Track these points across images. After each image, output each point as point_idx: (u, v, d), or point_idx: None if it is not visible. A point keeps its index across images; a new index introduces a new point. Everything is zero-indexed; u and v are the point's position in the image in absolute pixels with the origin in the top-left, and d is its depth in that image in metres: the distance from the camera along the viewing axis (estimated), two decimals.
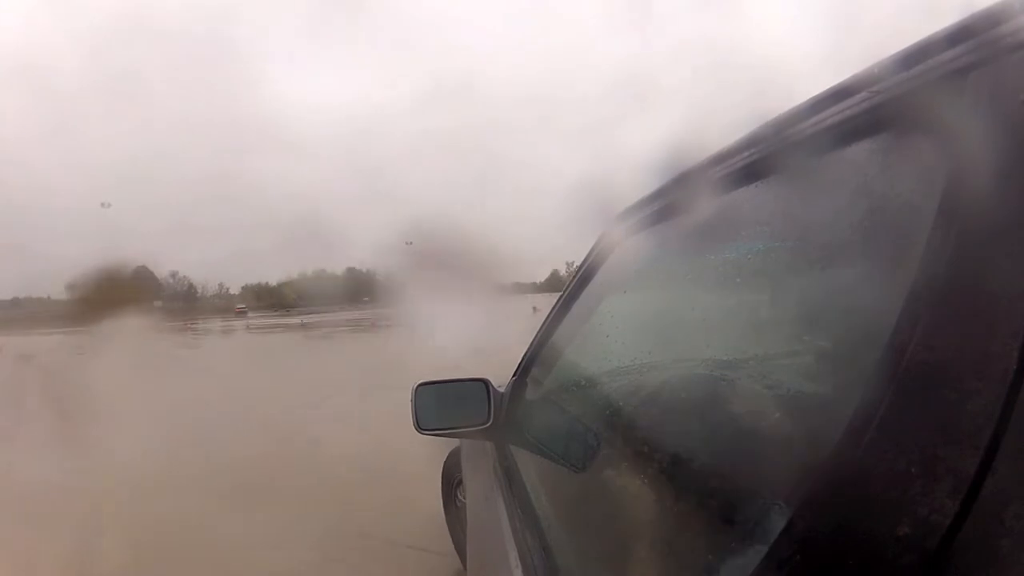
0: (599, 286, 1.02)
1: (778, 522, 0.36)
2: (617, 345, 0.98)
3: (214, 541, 2.48)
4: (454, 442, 1.89)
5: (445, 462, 2.13)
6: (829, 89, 0.45)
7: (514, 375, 1.25)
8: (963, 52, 0.33)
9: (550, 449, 1.02)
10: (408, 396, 1.15)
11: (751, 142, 0.57)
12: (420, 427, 1.15)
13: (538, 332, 1.22)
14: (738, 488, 0.49)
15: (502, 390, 1.19)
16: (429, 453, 2.13)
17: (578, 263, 1.12)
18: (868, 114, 0.40)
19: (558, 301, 1.15)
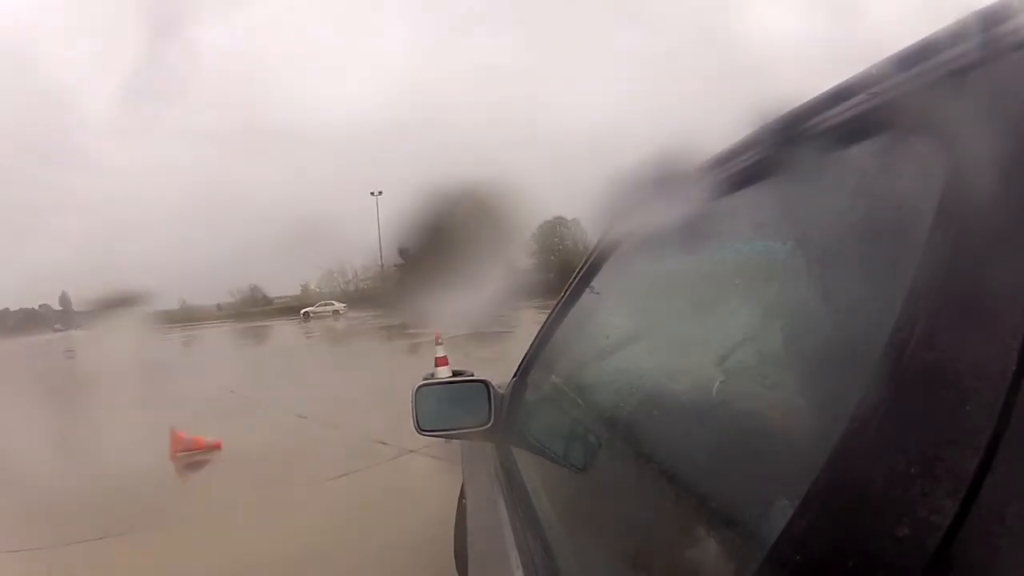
0: (599, 287, 1.02)
1: (778, 522, 0.36)
2: (617, 346, 0.98)
3: None
4: None
5: None
6: (829, 89, 0.45)
7: (515, 376, 1.25)
8: (963, 52, 0.33)
9: (551, 450, 1.02)
10: None
11: (751, 143, 0.57)
12: (421, 428, 1.15)
13: (538, 333, 1.22)
14: (738, 488, 0.49)
15: (503, 391, 1.19)
16: None
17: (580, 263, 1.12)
18: (868, 114, 0.40)
19: (558, 302, 1.15)
